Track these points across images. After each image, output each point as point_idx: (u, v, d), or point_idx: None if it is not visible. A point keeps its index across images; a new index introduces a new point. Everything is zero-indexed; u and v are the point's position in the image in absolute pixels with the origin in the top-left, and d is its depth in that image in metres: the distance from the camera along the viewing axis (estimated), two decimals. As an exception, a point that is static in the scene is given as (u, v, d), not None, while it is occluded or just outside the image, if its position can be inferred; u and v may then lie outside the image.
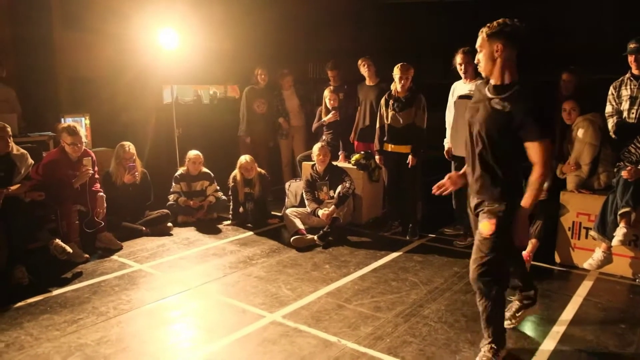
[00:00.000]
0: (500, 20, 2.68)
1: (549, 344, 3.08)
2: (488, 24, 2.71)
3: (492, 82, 2.76)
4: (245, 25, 7.21)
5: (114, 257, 4.67)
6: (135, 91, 7.14)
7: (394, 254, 4.74)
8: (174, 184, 5.90)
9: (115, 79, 6.97)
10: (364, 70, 5.85)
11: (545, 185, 4.40)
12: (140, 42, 6.61)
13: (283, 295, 3.81)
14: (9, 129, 4.11)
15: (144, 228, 5.36)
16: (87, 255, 4.57)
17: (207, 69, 7.65)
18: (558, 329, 3.26)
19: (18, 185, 4.14)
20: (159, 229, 5.42)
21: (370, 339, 3.14)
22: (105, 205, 4.84)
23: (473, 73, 4.87)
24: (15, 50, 6.35)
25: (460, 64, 4.87)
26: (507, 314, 3.17)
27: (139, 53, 6.76)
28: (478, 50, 2.76)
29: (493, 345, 2.79)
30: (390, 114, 5.16)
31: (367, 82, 5.90)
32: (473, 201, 2.88)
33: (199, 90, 9.71)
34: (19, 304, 3.64)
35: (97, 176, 4.90)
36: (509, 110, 2.63)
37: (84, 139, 4.71)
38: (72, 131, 4.56)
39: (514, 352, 3.00)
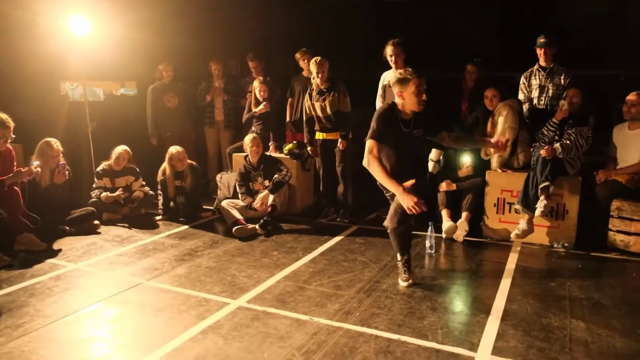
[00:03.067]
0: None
1: (499, 303, 3.40)
2: None
3: None
4: (161, 16, 6.89)
5: (41, 258, 4.29)
6: (38, 83, 6.56)
7: (337, 238, 4.88)
8: (96, 179, 5.53)
9: (14, 69, 6.34)
10: (302, 64, 5.92)
11: (469, 162, 4.85)
12: (43, 30, 6.07)
13: (241, 282, 3.77)
14: None
15: (67, 227, 4.97)
16: (8, 258, 4.15)
17: (116, 63, 7.18)
18: (503, 291, 3.60)
19: None
20: (84, 228, 5.06)
21: (340, 314, 3.24)
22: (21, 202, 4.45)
23: (402, 63, 5.16)
24: None
25: (391, 55, 5.13)
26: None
27: (42, 42, 6.20)
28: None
29: (406, 257, 3.69)
30: (317, 105, 5.30)
31: (305, 73, 5.97)
32: None
33: (85, 88, 9.03)
34: (-57, 313, 3.24)
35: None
36: None
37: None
38: (3, 124, 4.14)
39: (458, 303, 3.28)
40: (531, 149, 4.77)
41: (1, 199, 4.33)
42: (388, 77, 5.30)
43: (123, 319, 3.23)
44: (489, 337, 2.94)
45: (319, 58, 5.24)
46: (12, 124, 4.27)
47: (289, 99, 6.16)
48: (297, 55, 5.86)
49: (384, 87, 5.30)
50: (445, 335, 2.96)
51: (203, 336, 2.96)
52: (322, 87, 5.28)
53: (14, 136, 4.34)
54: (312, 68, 5.26)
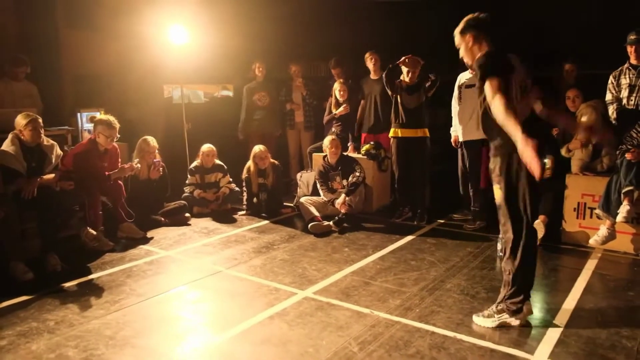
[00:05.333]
0: (465, 18, 3.11)
1: (567, 309, 3.33)
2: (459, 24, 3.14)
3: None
4: (253, 21, 7.36)
5: (138, 245, 4.82)
6: (142, 88, 7.28)
7: (408, 237, 4.96)
8: (189, 176, 6.06)
9: (122, 76, 7.10)
10: (370, 64, 6.10)
11: (549, 163, 4.71)
12: (146, 40, 6.74)
13: (310, 275, 4.01)
14: (40, 121, 4.25)
15: (162, 219, 5.52)
16: (112, 244, 4.72)
17: (214, 67, 7.76)
18: (573, 297, 3.51)
19: (52, 175, 4.28)
20: (177, 220, 5.58)
21: (400, 309, 3.36)
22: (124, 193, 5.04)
23: None
24: (21, 48, 6.43)
25: None
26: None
27: (145, 50, 6.89)
28: (458, 48, 3.16)
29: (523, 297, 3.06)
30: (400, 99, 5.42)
31: (372, 75, 6.15)
32: None
33: (188, 91, 9.76)
34: (58, 287, 3.79)
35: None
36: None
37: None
38: (111, 125, 4.73)
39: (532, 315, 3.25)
40: (617, 152, 4.53)
41: (107, 191, 4.92)
42: (464, 78, 5.29)
43: (203, 301, 3.60)
44: (549, 342, 2.92)
45: (410, 57, 5.29)
46: (117, 125, 4.83)
47: (362, 102, 6.35)
48: (367, 55, 6.07)
49: (460, 88, 5.29)
50: (503, 336, 2.98)
51: (270, 321, 3.22)
52: (410, 84, 5.39)
53: (119, 136, 4.91)
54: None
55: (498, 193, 3.07)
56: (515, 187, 3.01)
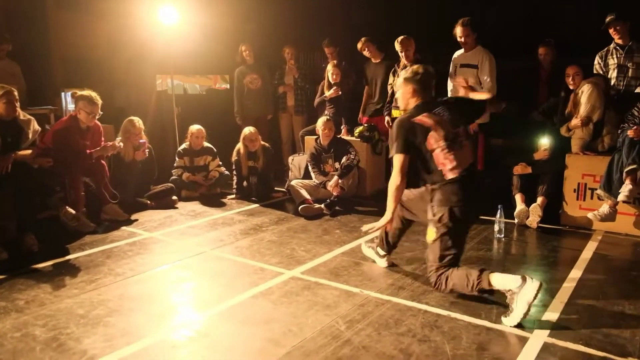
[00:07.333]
0: (416, 68, 3.18)
1: (568, 288, 3.16)
2: None
3: None
4: (245, 3, 7.17)
5: (122, 227, 4.63)
6: (131, 70, 7.08)
7: (402, 220, 4.78)
8: (177, 158, 5.86)
9: (111, 57, 6.91)
10: (365, 53, 5.96)
11: (547, 144, 4.55)
12: (136, 21, 6.53)
13: (298, 256, 3.83)
14: (16, 93, 4.04)
15: (149, 202, 5.33)
16: (94, 225, 4.52)
17: (205, 56, 7.54)
18: (574, 277, 3.34)
19: (29, 151, 4.08)
20: (163, 202, 5.39)
21: (392, 289, 3.19)
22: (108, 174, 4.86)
23: (473, 43, 4.98)
24: (9, 28, 6.23)
25: (460, 37, 4.95)
26: None
27: (135, 32, 6.68)
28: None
29: None
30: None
31: (373, 60, 5.99)
32: None
33: (185, 83, 9.54)
34: (33, 267, 3.60)
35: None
36: None
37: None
38: (92, 101, 4.53)
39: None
40: (619, 131, 4.36)
41: (90, 170, 4.72)
42: (459, 58, 5.14)
43: (184, 281, 3.41)
44: (549, 319, 2.74)
45: (401, 37, 5.23)
46: (99, 102, 4.63)
47: (365, 87, 6.19)
48: (359, 45, 5.92)
49: (455, 66, 5.12)
50: (500, 314, 2.80)
51: (253, 300, 3.04)
52: (408, 64, 5.20)
53: (101, 113, 4.70)
54: (396, 47, 5.29)
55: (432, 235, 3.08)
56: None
